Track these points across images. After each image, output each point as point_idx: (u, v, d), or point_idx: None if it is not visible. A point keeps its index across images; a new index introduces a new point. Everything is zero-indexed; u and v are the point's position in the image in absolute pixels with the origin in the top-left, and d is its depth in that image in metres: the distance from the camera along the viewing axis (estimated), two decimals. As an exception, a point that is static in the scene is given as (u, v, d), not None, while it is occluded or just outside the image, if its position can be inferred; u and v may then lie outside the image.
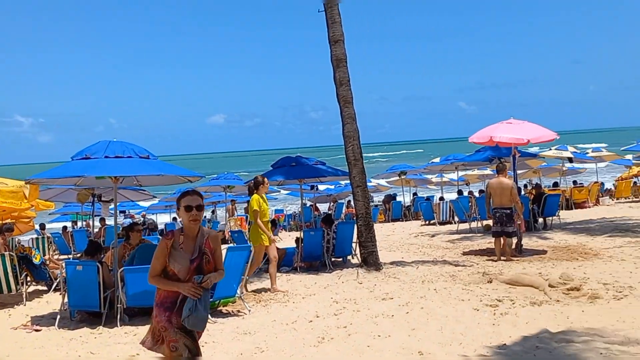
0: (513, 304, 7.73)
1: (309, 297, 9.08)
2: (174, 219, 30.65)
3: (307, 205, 26.71)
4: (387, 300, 8.41)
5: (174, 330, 4.13)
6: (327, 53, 11.77)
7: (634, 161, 31.45)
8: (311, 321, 7.58)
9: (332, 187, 29.68)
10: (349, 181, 12.24)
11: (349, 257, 12.52)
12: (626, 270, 9.49)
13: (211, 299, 7.15)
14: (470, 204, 19.34)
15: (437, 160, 25.89)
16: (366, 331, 6.92)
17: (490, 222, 12.84)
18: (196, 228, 4.26)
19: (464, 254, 12.83)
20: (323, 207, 30.79)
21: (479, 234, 16.10)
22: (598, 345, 5.79)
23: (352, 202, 15.71)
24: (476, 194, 24.00)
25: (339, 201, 29.80)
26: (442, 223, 21.18)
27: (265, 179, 10.22)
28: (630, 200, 26.40)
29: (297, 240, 12.40)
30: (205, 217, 23.46)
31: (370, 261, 11.02)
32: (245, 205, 20.45)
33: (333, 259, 12.15)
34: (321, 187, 28.43)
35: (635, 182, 29.09)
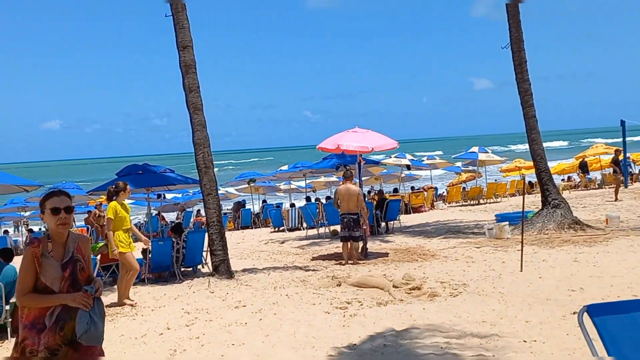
0: (361, 305, 8.08)
1: (158, 309, 8.82)
2: (5, 232, 28.25)
3: (154, 214, 25.90)
4: (240, 308, 8.42)
5: (45, 354, 3.55)
6: (173, 58, 11.55)
7: (462, 168, 34.22)
8: (162, 334, 7.38)
9: (180, 195, 29.07)
10: (197, 189, 12.06)
11: (200, 267, 12.34)
12: (460, 268, 10.30)
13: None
14: (318, 210, 19.89)
15: (285, 167, 26.29)
16: (220, 340, 6.87)
17: (337, 227, 13.30)
18: (65, 232, 3.75)
19: (314, 259, 13.17)
20: (170, 216, 30.02)
21: (327, 239, 16.61)
22: (438, 340, 6.24)
23: (201, 211, 15.49)
24: (323, 201, 24.72)
25: (187, 210, 29.24)
26: (291, 229, 21.55)
27: (127, 186, 9.74)
28: (460, 204, 28.67)
29: (144, 251, 11.97)
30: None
31: (222, 269, 10.95)
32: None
33: (183, 269, 11.90)
34: (168, 196, 27.73)
35: (464, 188, 31.61)
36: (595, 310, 3.79)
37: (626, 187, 25.03)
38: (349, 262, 11.88)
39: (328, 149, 14.56)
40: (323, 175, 27.30)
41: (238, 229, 25.86)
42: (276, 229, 22.38)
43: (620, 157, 23.54)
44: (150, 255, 11.48)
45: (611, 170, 23.60)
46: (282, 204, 28.95)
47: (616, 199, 20.54)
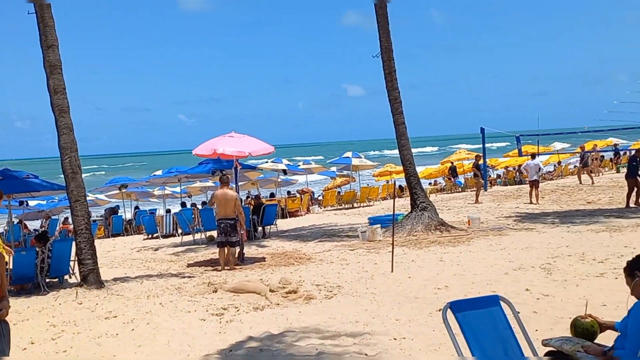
0: (238, 311, 8.06)
1: (21, 323, 8.26)
2: None
3: (15, 222, 24.19)
4: (111, 319, 8.10)
5: None
6: (36, 57, 10.90)
7: (337, 173, 35.05)
8: (25, 349, 6.94)
9: (44, 202, 27.39)
10: (64, 195, 11.45)
11: (67, 277, 11.70)
12: (335, 271, 10.57)
13: None
14: (193, 215, 19.54)
15: (159, 172, 25.62)
16: (89, 353, 6.58)
17: (214, 232, 13.16)
18: None
19: (189, 265, 12.94)
20: (34, 225, 28.19)
21: (202, 245, 16.37)
22: (314, 341, 6.37)
23: (69, 218, 14.71)
24: (199, 206, 24.33)
25: (53, 217, 27.58)
26: (165, 236, 21.00)
27: None
28: (335, 208, 29.36)
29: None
30: None
31: (91, 279, 10.45)
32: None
33: (48, 280, 11.22)
34: (32, 203, 26.06)
35: (339, 192, 32.38)
36: (457, 307, 4.07)
37: (486, 190, 26.84)
38: (226, 267, 11.79)
39: (204, 154, 14.38)
40: (199, 180, 26.86)
41: (109, 237, 24.80)
42: (150, 236, 21.70)
43: (481, 162, 25.20)
44: (12, 266, 10.72)
45: (472, 174, 25.17)
46: (155, 210, 28.09)
47: (477, 202, 21.97)
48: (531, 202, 20.43)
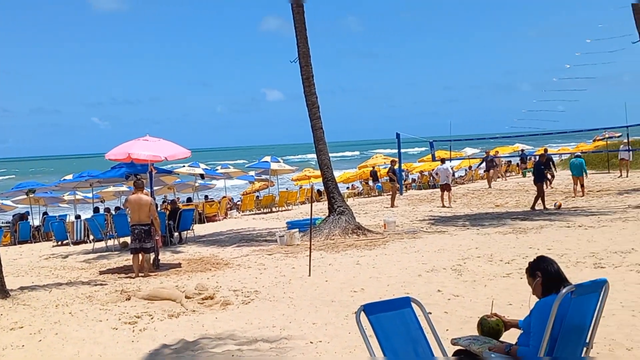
0: (152, 318, 7.88)
1: None
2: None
3: None
4: (17, 330, 7.71)
5: None
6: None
7: (256, 177, 34.95)
8: None
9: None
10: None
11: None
12: (252, 276, 10.53)
13: None
14: (106, 221, 18.92)
15: (70, 177, 24.68)
16: (-8, 368, 6.24)
17: (127, 239, 12.80)
18: None
19: (101, 273, 12.52)
20: None
21: (116, 252, 15.88)
22: (230, 347, 6.33)
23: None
24: (113, 211, 23.59)
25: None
26: (76, 243, 20.21)
27: None
28: (254, 212, 29.25)
29: None
30: None
31: (-5, 289, 9.91)
32: None
33: (-54, 291, 10.55)
34: None
35: (257, 196, 32.28)
36: (370, 309, 4.15)
37: (401, 194, 27.53)
38: (140, 274, 11.50)
39: (118, 159, 13.96)
40: (112, 185, 26.04)
41: (15, 244, 23.58)
42: (59, 243, 20.81)
43: (396, 167, 25.83)
44: None
45: (388, 178, 25.71)
46: (66, 215, 26.97)
47: (393, 205, 22.48)
48: (444, 206, 21.12)
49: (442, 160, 24.91)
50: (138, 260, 11.70)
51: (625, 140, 30.70)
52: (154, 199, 13.32)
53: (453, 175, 31.51)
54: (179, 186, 29.94)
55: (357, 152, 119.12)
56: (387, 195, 28.69)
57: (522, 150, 38.95)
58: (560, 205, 17.99)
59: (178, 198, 29.91)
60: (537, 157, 24.57)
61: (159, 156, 13.22)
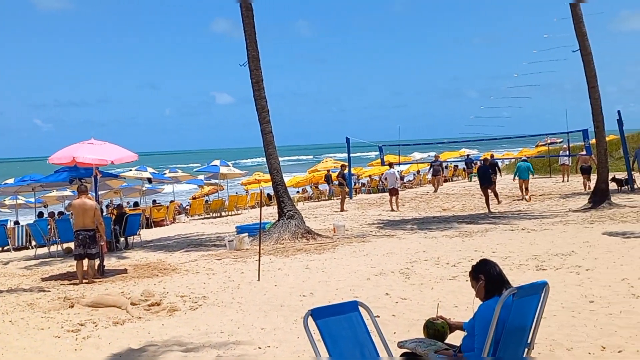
0: (96, 326, 7.69)
1: None
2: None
3: None
4: (-48, 341, 7.40)
5: None
6: None
7: (205, 181, 34.58)
8: None
9: None
10: None
11: None
12: (200, 281, 10.40)
13: None
14: (49, 226, 18.37)
15: (11, 181, 23.90)
16: None
17: (71, 244, 12.47)
18: None
19: (44, 279, 12.13)
20: None
21: (59, 258, 15.44)
22: (176, 354, 6.23)
23: None
24: (56, 216, 22.93)
25: None
26: (17, 249, 19.56)
27: None
28: (203, 216, 28.93)
29: None
30: None
31: None
32: None
33: None
34: None
35: (207, 201, 31.94)
36: (318, 314, 4.16)
37: (351, 198, 27.70)
38: (84, 281, 11.21)
39: (62, 162, 13.60)
40: (55, 189, 25.36)
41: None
42: (0, 249, 20.11)
43: (346, 171, 25.98)
44: None
45: (338, 182, 25.84)
46: (6, 221, 26.03)
47: (342, 210, 22.61)
48: (392, 210, 21.37)
49: (390, 165, 25.24)
50: (82, 266, 11.41)
51: (565, 146, 31.73)
52: (99, 203, 13.03)
53: (401, 179, 31.93)
54: (125, 190, 29.34)
55: (311, 156, 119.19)
56: (337, 199, 28.84)
57: (468, 155, 39.79)
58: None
59: (128, 202, 29.34)
60: (482, 162, 25.16)
61: (105, 160, 12.94)
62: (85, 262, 11.46)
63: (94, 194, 13.21)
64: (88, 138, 13.61)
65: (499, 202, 19.66)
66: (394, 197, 21.85)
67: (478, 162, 39.83)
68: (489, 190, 19.32)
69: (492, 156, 33.18)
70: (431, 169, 30.43)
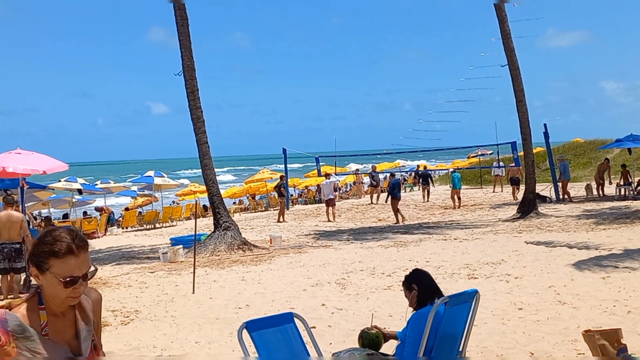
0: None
1: None
2: None
3: None
4: None
5: None
6: None
7: (138, 192, 33.85)
8: None
9: None
10: None
11: None
12: (133, 295, 10.14)
13: None
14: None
15: None
16: None
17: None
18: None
19: (-36, 296, 11.56)
20: None
21: (-19, 273, 14.72)
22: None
23: None
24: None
25: None
26: None
27: None
28: (136, 228, 28.25)
29: None
30: None
31: None
32: None
33: None
34: None
35: (140, 212, 31.24)
36: (253, 326, 4.14)
37: (288, 209, 27.70)
38: (9, 296, 10.73)
39: (-14, 173, 13.00)
40: (-22, 200, 24.23)
41: None
42: None
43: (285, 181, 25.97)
44: None
45: (276, 193, 25.81)
46: None
47: (281, 220, 22.56)
48: (329, 220, 21.49)
49: (327, 175, 25.36)
50: (7, 281, 10.93)
51: (497, 158, 32.81)
52: (25, 215, 12.53)
53: (338, 190, 32.16)
54: (54, 202, 28.39)
55: (247, 167, 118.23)
56: (274, 210, 28.78)
57: (403, 166, 40.52)
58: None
59: (66, 214, 28.33)
60: (389, 177, 25.99)
61: (37, 169, 12.49)
62: (10, 276, 10.99)
63: (20, 206, 12.69)
64: (14, 148, 13.11)
65: (397, 221, 19.91)
66: (330, 208, 21.97)
67: (412, 173, 40.66)
68: (395, 204, 20.07)
69: (425, 167, 33.92)
70: (370, 180, 30.83)
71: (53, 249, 2.08)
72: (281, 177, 26.25)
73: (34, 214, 27.77)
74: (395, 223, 19.34)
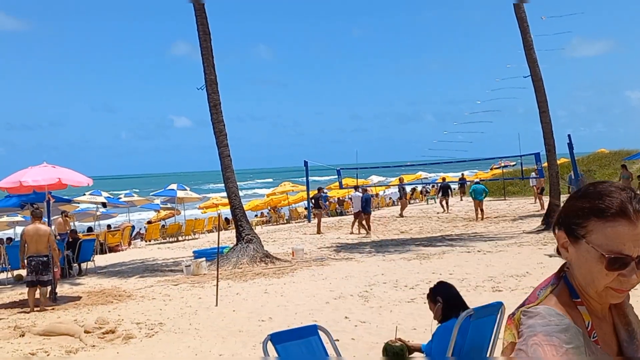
0: (48, 355, 7.47)
1: None
2: None
3: None
4: None
5: None
6: None
7: (161, 205, 34.11)
8: None
9: None
10: None
11: None
12: (157, 308, 10.21)
13: None
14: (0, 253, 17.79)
15: (-42, 206, 23.05)
16: None
17: (22, 271, 12.09)
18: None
19: (-8, 308, 11.73)
20: None
21: (9, 285, 14.93)
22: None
23: None
24: (6, 242, 22.23)
25: None
26: (-36, 276, 18.86)
27: None
28: (159, 241, 28.46)
29: None
30: None
31: None
32: None
33: None
34: None
35: (163, 225, 31.46)
36: (277, 338, 4.14)
37: (309, 222, 27.71)
38: (36, 309, 10.86)
39: (10, 188, 13.24)
40: (6, 214, 24.61)
41: None
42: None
43: (323, 194, 26.00)
44: None
45: (297, 206, 25.84)
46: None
47: (318, 232, 22.31)
48: (359, 232, 21.27)
49: (356, 188, 25.24)
50: (34, 293, 11.07)
51: (536, 168, 32.37)
52: (52, 228, 12.72)
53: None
54: (79, 215, 28.69)
55: (269, 180, 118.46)
56: (296, 222, 28.82)
57: (426, 178, 40.38)
58: None
59: (90, 227, 28.64)
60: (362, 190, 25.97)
61: (57, 183, 12.69)
62: (38, 289, 11.13)
63: (46, 220, 12.89)
64: (40, 162, 13.35)
65: (363, 232, 21.07)
66: (357, 220, 21.80)
67: (434, 185, 40.45)
68: (363, 218, 21.11)
69: (443, 179, 33.71)
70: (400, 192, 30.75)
71: (597, 206, 1.41)
72: (319, 189, 26.25)
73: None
74: (367, 235, 20.41)
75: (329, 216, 34.48)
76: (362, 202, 21.01)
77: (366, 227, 21.05)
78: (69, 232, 18.18)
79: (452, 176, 46.81)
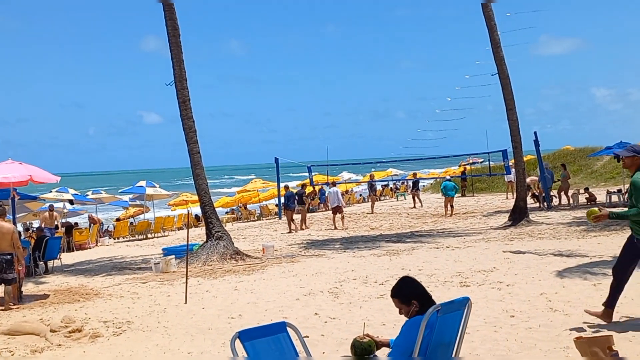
0: (12, 355, 7.33)
1: None
2: None
3: None
4: None
5: None
6: None
7: (130, 202, 33.75)
8: None
9: None
10: None
11: None
12: (125, 306, 10.09)
13: None
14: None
15: None
16: None
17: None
18: None
19: (-46, 308, 11.46)
20: None
21: (-29, 285, 14.62)
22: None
23: None
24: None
25: None
26: None
27: None
28: (128, 239, 28.15)
29: None
30: None
31: None
32: None
33: None
34: None
35: (132, 222, 31.13)
36: (245, 336, 4.13)
37: (280, 218, 27.68)
38: (0, 308, 10.66)
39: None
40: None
41: None
42: None
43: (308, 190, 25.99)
44: None
45: (267, 203, 25.79)
46: None
47: (303, 228, 22.39)
48: (335, 228, 21.39)
49: (333, 183, 25.36)
50: (-3, 293, 10.86)
51: (511, 163, 32.70)
52: (16, 226, 12.48)
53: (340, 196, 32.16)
54: (45, 213, 28.21)
55: (240, 177, 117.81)
56: (267, 219, 28.76)
57: (396, 175, 40.63)
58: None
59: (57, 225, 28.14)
60: (301, 187, 26.33)
61: (25, 177, 12.46)
62: (1, 288, 10.93)
63: (11, 217, 12.64)
64: (5, 159, 13.10)
65: (291, 231, 21.73)
66: (336, 215, 21.96)
67: (405, 182, 40.71)
68: (291, 215, 21.87)
69: (415, 175, 33.84)
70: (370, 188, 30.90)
71: None
72: (302, 186, 26.19)
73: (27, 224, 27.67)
74: (289, 232, 21.20)
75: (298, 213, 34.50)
76: (285, 199, 22.00)
77: (295, 224, 22.03)
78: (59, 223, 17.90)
79: (422, 173, 47.21)
